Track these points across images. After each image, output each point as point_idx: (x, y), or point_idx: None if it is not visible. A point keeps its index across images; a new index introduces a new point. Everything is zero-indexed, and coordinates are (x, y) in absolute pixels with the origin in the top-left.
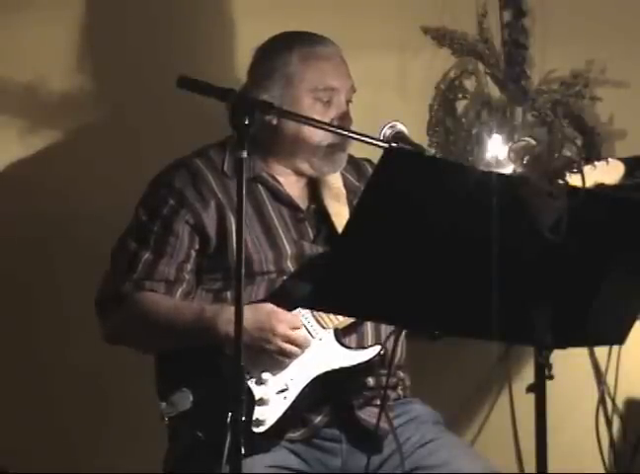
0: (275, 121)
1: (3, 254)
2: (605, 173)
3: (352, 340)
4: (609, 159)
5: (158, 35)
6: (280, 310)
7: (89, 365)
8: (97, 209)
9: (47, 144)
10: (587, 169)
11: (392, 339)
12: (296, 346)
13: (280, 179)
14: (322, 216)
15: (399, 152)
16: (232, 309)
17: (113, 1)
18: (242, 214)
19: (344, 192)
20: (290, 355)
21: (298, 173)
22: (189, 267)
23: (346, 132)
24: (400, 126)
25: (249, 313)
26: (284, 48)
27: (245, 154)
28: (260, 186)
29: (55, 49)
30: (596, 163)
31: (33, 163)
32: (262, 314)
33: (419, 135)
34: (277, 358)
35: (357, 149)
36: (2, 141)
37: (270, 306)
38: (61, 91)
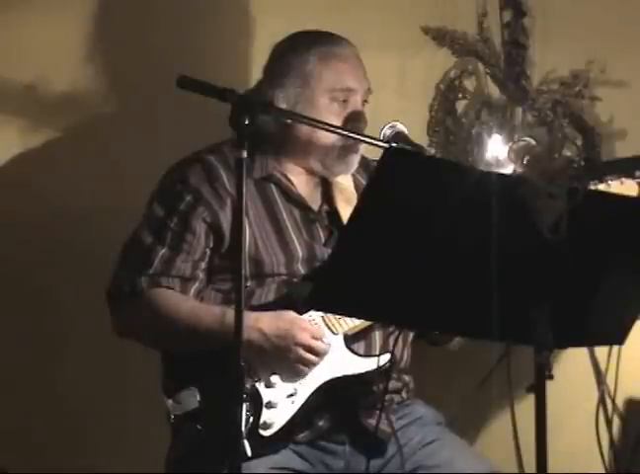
0: (289, 121)
1: (3, 253)
2: (619, 192)
3: (360, 346)
4: (623, 179)
5: (165, 33)
6: (302, 319)
7: (89, 365)
8: (97, 209)
9: (49, 143)
10: (601, 187)
11: (397, 343)
12: (316, 355)
13: (293, 178)
14: (334, 218)
15: (399, 152)
16: (253, 315)
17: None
18: (242, 214)
19: (355, 193)
20: (309, 365)
21: (310, 173)
22: (203, 265)
23: (345, 133)
24: (400, 126)
25: (272, 320)
26: (303, 47)
27: (245, 154)
28: (272, 185)
29: (57, 48)
30: (610, 182)
31: (33, 162)
32: (284, 322)
33: (419, 135)
34: (294, 366)
35: None
36: (2, 140)
37: (292, 314)
38: (63, 90)
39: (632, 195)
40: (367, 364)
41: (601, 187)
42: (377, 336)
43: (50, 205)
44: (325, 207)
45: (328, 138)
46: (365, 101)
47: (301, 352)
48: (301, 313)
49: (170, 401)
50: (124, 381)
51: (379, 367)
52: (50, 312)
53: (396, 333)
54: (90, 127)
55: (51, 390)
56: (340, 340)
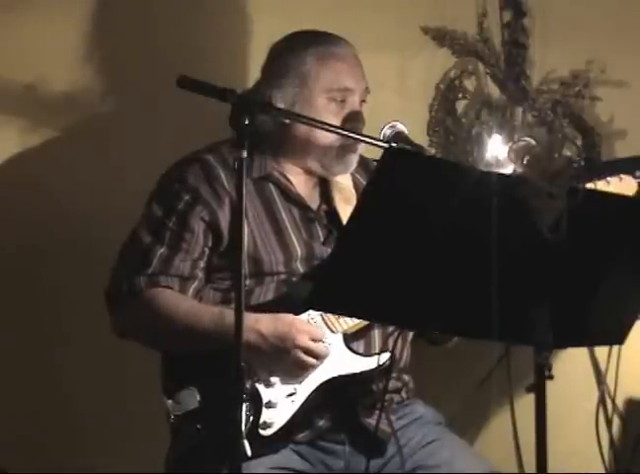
0: (287, 120)
1: (3, 253)
2: (618, 189)
3: (359, 345)
4: (622, 175)
5: (164, 33)
6: (302, 321)
7: (89, 365)
8: (96, 209)
9: (48, 143)
10: (600, 184)
11: (397, 342)
12: (315, 357)
13: (291, 178)
14: (332, 218)
15: (399, 152)
16: (252, 316)
17: None
18: (242, 213)
19: (354, 193)
20: (308, 367)
21: (309, 172)
22: (202, 264)
23: (346, 133)
24: (400, 126)
25: (270, 322)
26: (301, 47)
27: (245, 154)
28: (271, 185)
29: (57, 48)
30: (609, 179)
31: (33, 162)
32: (283, 324)
33: (419, 135)
34: (293, 368)
35: None
36: (2, 140)
37: (292, 316)
38: (63, 90)
39: (631, 191)
40: (367, 363)
41: (600, 184)
42: (377, 335)
43: (50, 205)
44: (324, 207)
45: (326, 138)
46: (363, 101)
47: (300, 354)
48: (299, 313)
49: (170, 401)
50: (124, 381)
51: (379, 366)
52: (50, 312)
53: (396, 332)
54: (90, 127)
55: (52, 390)
56: (339, 339)
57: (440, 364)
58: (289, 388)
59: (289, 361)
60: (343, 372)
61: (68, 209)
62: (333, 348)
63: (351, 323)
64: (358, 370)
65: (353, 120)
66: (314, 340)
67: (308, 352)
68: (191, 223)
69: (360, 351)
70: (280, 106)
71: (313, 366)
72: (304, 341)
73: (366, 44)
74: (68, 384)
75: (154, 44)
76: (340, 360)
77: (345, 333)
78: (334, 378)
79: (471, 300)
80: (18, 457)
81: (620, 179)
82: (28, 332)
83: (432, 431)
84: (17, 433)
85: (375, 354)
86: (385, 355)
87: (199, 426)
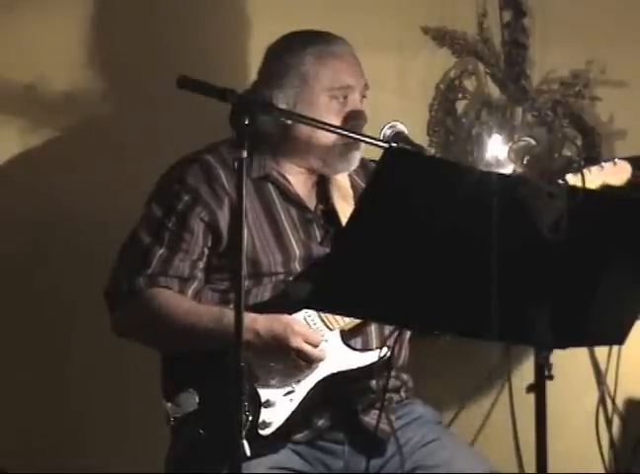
0: (289, 121)
1: (3, 253)
2: (613, 174)
3: (357, 341)
4: (616, 160)
5: (164, 33)
6: (299, 322)
7: (89, 366)
8: (97, 209)
9: (49, 143)
10: (594, 170)
11: (396, 341)
12: (310, 360)
13: (290, 178)
14: (330, 217)
15: (399, 152)
16: (250, 316)
17: None
18: (242, 214)
19: (351, 192)
20: (303, 369)
21: (310, 171)
22: (201, 265)
23: (345, 133)
24: (400, 126)
25: (267, 322)
26: (299, 47)
27: (245, 154)
28: (270, 185)
29: (57, 48)
30: (603, 164)
31: (33, 162)
32: (279, 325)
33: (419, 135)
34: (289, 369)
35: None
36: (2, 140)
37: (288, 317)
38: (63, 90)
39: (625, 175)
40: (365, 359)
41: (594, 169)
42: (374, 331)
43: (50, 205)
44: (321, 206)
45: (328, 137)
46: (364, 96)
47: (294, 356)
48: (295, 311)
49: (169, 404)
50: (124, 381)
51: (381, 358)
52: (50, 313)
53: (393, 331)
54: (90, 127)
55: (52, 390)
56: (336, 335)
57: (440, 364)
58: (287, 387)
59: (283, 362)
60: (341, 369)
61: (68, 209)
62: (330, 344)
63: (347, 320)
64: (355, 366)
65: (355, 118)
66: (308, 342)
67: (301, 354)
68: (190, 224)
69: (358, 347)
70: (282, 106)
71: (307, 369)
72: (298, 343)
73: (366, 44)
74: (68, 384)
75: (154, 45)
76: (337, 357)
77: (342, 329)
78: (332, 375)
79: (471, 300)
80: (18, 457)
81: (615, 163)
82: (27, 332)
83: (431, 430)
84: (17, 433)
85: (372, 349)
86: (383, 350)
87: (200, 430)
